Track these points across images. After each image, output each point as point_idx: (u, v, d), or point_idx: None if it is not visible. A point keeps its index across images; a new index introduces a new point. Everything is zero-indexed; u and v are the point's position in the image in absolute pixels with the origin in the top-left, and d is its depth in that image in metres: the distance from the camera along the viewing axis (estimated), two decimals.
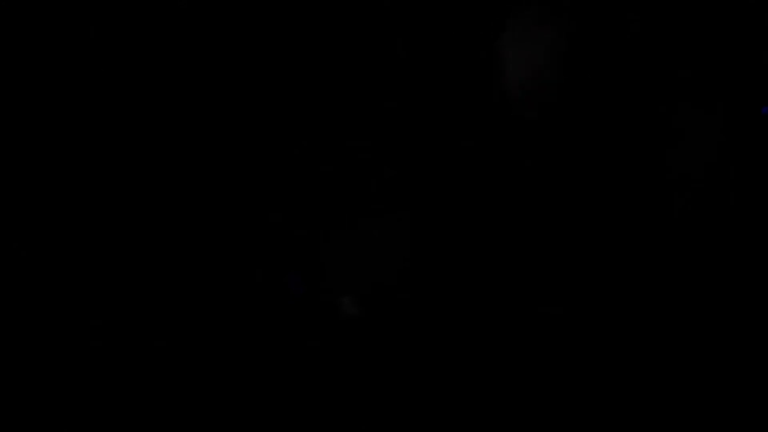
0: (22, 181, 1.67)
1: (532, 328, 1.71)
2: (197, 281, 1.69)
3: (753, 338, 1.68)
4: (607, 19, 1.73)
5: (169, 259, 1.69)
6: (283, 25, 1.71)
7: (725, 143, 1.74)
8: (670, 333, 1.70)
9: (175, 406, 1.63)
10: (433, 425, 1.66)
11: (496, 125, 1.72)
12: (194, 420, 1.63)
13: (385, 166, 1.74)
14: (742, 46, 1.73)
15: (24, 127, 1.67)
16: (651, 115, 1.74)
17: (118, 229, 1.68)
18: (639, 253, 1.73)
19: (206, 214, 1.71)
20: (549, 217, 1.73)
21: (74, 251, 1.67)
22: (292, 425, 1.65)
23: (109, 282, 1.67)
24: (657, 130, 1.74)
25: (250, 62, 1.71)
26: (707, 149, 1.74)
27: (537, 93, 1.73)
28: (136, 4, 1.67)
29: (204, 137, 1.71)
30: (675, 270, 1.72)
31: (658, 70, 1.74)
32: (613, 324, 1.71)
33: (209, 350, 1.67)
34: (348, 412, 1.66)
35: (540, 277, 1.72)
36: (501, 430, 1.66)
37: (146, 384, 1.64)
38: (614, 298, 1.71)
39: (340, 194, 1.74)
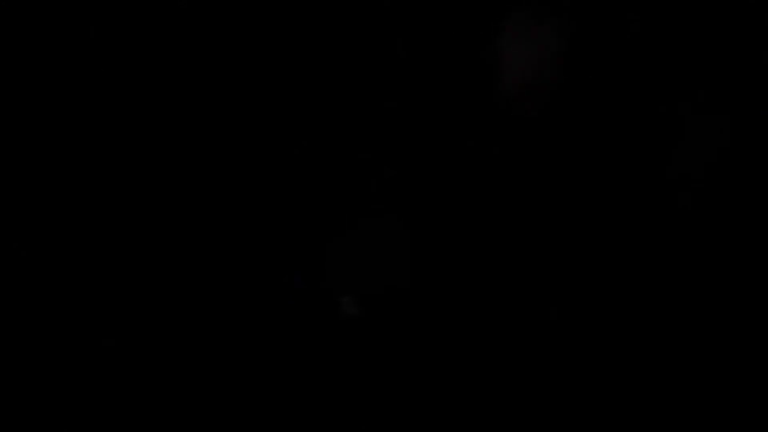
0: (22, 181, 1.67)
1: (533, 329, 1.71)
2: (197, 281, 1.69)
3: (753, 338, 1.67)
4: (607, 19, 1.73)
5: (168, 260, 1.69)
6: (282, 24, 1.71)
7: (726, 143, 1.74)
8: (671, 333, 1.69)
9: (178, 405, 1.63)
10: (434, 425, 1.66)
11: (496, 125, 1.73)
12: (195, 419, 1.63)
13: (385, 166, 1.74)
14: (742, 46, 1.73)
15: (24, 127, 1.67)
16: (651, 115, 1.74)
17: (117, 229, 1.68)
18: (639, 252, 1.73)
19: (206, 213, 1.71)
20: (549, 216, 1.73)
21: (73, 251, 1.67)
22: (292, 425, 1.65)
23: (107, 282, 1.67)
24: (657, 130, 1.74)
25: (249, 62, 1.71)
26: (708, 149, 1.74)
27: (537, 93, 1.73)
28: (136, 4, 1.67)
29: (203, 137, 1.71)
30: (675, 270, 1.72)
31: (658, 71, 1.74)
32: (614, 324, 1.71)
33: (210, 350, 1.67)
34: (348, 412, 1.66)
35: (540, 277, 1.72)
36: (501, 430, 1.66)
37: (147, 384, 1.64)
38: (615, 298, 1.71)
39: (340, 194, 1.74)
